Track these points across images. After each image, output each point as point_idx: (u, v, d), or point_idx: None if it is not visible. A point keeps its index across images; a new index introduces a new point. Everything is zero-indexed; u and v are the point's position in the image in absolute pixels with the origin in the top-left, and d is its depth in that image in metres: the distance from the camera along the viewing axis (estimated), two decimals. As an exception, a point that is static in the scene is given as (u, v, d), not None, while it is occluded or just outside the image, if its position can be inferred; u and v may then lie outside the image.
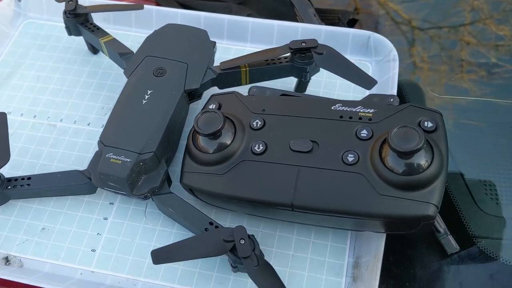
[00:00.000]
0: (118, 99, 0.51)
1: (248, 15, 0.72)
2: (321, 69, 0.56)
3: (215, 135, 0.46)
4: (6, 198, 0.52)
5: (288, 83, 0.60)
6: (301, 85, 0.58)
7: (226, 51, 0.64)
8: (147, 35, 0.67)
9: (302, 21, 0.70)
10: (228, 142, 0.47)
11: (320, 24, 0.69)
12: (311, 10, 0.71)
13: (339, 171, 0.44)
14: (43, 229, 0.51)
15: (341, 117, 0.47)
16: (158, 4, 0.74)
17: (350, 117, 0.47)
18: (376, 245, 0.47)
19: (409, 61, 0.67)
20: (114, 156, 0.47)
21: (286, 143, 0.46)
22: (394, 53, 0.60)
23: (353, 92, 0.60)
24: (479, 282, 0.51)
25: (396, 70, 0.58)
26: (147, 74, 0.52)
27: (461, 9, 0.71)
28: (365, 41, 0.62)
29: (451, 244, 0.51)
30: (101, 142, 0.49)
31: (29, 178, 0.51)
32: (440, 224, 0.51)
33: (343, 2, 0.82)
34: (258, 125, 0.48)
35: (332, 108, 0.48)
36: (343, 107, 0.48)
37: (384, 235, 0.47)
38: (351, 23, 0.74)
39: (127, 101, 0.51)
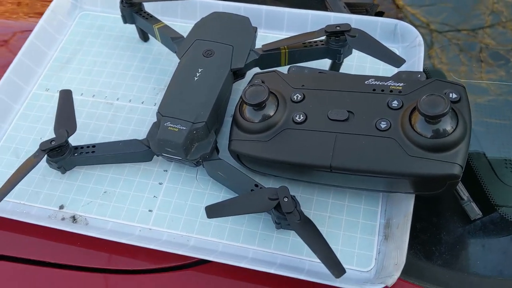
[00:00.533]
0: (173, 76, 0.58)
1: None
2: (352, 52, 0.61)
3: (260, 106, 0.52)
4: (72, 164, 0.58)
5: (323, 65, 0.65)
6: (335, 67, 0.64)
7: (264, 39, 0.70)
8: (192, 25, 0.73)
9: (332, 11, 0.76)
10: (272, 113, 0.53)
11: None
12: (341, 3, 0.77)
13: (373, 136, 0.49)
14: (105, 192, 0.58)
15: (374, 90, 0.52)
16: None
17: (382, 90, 0.52)
18: (406, 206, 0.52)
19: (427, 62, 0.69)
20: (171, 125, 0.53)
21: (324, 113, 0.52)
22: (420, 39, 0.65)
23: (382, 74, 0.65)
24: (500, 245, 0.56)
25: (422, 54, 0.64)
26: (198, 55, 0.59)
27: (480, 12, 0.72)
28: (392, 28, 0.67)
29: (474, 210, 0.55)
30: (159, 113, 0.55)
31: (93, 146, 0.57)
32: (464, 192, 0.56)
33: (364, 5, 0.87)
34: (298, 98, 0.54)
35: (366, 82, 0.53)
36: (376, 82, 0.53)
37: (413, 198, 0.52)
38: (378, 15, 0.79)
39: (180, 78, 0.57)
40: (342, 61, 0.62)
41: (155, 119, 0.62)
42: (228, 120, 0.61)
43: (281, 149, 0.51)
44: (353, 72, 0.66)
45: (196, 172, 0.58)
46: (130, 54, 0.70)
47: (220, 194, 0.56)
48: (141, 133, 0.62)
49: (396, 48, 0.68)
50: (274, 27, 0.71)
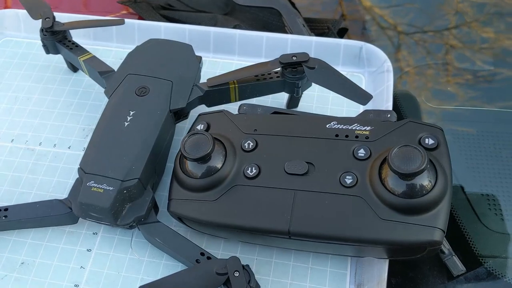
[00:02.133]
0: (99, 122, 0.48)
1: (235, 26, 0.69)
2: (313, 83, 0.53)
3: (204, 159, 0.43)
4: (-19, 232, 0.48)
5: (279, 98, 0.57)
6: (293, 100, 0.56)
7: (214, 65, 0.62)
8: (129, 50, 0.64)
9: (291, 32, 0.67)
10: (219, 165, 0.44)
11: (309, 34, 0.66)
12: (299, 20, 0.69)
13: (337, 194, 0.41)
14: (22, 263, 0.48)
15: (336, 135, 0.44)
16: (140, 18, 0.71)
17: (347, 136, 0.44)
18: (378, 271, 0.44)
19: (395, 66, 0.65)
20: (95, 185, 0.44)
21: (281, 166, 0.44)
22: (388, 63, 0.57)
23: (346, 106, 0.57)
24: (488, 305, 0.49)
25: (391, 82, 0.56)
26: (129, 94, 0.49)
27: (445, 13, 0.70)
28: (357, 52, 0.60)
29: (456, 265, 0.48)
30: (81, 169, 0.46)
31: (5, 209, 0.48)
32: (444, 245, 0.48)
33: (331, 8, 0.80)
34: (250, 147, 0.45)
35: (327, 126, 0.45)
36: (339, 125, 0.45)
37: (387, 261, 0.45)
38: (341, 33, 0.71)
39: (108, 124, 0.48)
40: (301, 95, 0.53)
41: (84, 168, 0.53)
42: (171, 166, 0.52)
43: (230, 211, 0.43)
44: (314, 105, 0.58)
45: (132, 235, 0.49)
46: (57, 88, 0.60)
47: (161, 262, 0.47)
48: (67, 186, 0.52)
49: (361, 74, 0.60)
50: (224, 51, 0.62)
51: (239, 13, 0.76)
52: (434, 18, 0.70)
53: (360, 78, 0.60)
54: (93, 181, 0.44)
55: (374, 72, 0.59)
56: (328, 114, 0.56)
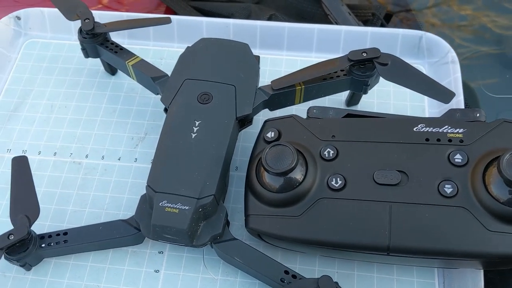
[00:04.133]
0: (162, 134, 0.44)
1: (271, 16, 0.65)
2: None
3: (287, 173, 0.40)
4: (39, 258, 0.44)
5: (336, 96, 0.53)
6: (355, 97, 0.52)
7: (262, 62, 0.57)
8: (169, 48, 0.60)
9: (336, 21, 0.64)
10: (300, 177, 0.41)
11: (358, 23, 0.63)
12: (344, 8, 0.65)
13: (437, 205, 0.38)
14: (85, 289, 0.44)
15: (427, 140, 0.41)
16: (172, 12, 0.66)
17: (438, 140, 0.41)
18: (473, 280, 0.42)
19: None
20: (169, 204, 0.41)
21: (369, 175, 0.40)
22: (453, 54, 0.54)
23: (409, 100, 0.54)
24: None
25: (458, 74, 0.53)
26: (191, 101, 0.45)
27: None
28: (417, 42, 0.56)
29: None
30: (150, 188, 0.42)
31: (65, 233, 0.44)
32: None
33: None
34: (331, 155, 0.42)
35: (415, 129, 0.42)
36: (427, 128, 0.42)
37: (482, 270, 0.42)
38: (387, 19, 0.68)
39: (173, 136, 0.44)
40: (367, 93, 0.50)
41: (137, 180, 0.50)
42: (232, 174, 0.49)
43: (319, 227, 0.40)
44: (375, 100, 0.54)
45: (203, 252, 0.46)
46: (96, 93, 0.56)
47: (236, 280, 0.44)
48: (123, 202, 0.48)
49: (421, 65, 0.57)
50: (272, 46, 0.58)
51: (271, 1, 0.72)
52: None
53: (420, 69, 0.56)
54: (166, 201, 0.41)
55: (435, 63, 0.56)
56: (391, 110, 0.54)
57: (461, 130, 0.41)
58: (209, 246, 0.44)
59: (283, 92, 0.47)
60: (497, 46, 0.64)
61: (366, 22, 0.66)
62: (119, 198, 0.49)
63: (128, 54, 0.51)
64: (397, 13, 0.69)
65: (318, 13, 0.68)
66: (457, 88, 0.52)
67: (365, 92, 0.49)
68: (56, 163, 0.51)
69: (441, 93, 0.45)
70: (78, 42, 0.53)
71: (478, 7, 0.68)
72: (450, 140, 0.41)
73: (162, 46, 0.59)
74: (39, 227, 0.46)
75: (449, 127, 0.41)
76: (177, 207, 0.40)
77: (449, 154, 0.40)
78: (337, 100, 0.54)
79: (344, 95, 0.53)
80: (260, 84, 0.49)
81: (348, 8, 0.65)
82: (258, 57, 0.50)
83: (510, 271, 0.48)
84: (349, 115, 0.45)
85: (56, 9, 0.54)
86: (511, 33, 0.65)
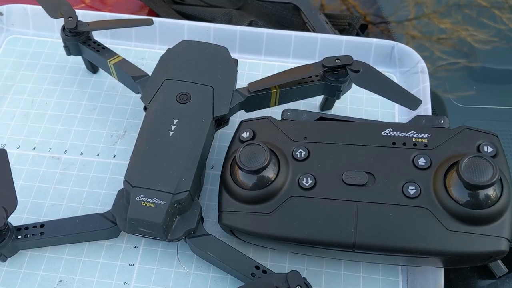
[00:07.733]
0: (141, 131, 0.46)
1: (251, 22, 0.67)
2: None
3: (260, 171, 0.42)
4: (15, 250, 0.45)
5: (310, 100, 0.56)
6: (329, 102, 0.55)
7: (240, 65, 0.59)
8: (151, 50, 0.61)
9: (313, 29, 0.66)
10: (272, 176, 0.43)
11: (334, 32, 0.65)
12: (321, 17, 0.67)
13: (401, 205, 0.41)
14: (60, 281, 0.45)
15: (393, 143, 0.43)
16: (155, 14, 0.67)
17: (404, 144, 0.43)
18: (434, 277, 0.44)
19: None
20: (145, 199, 0.42)
21: (338, 176, 0.42)
22: (422, 64, 0.57)
23: (381, 107, 0.56)
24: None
25: (427, 84, 0.55)
26: (170, 101, 0.47)
27: (406, 4, 0.73)
28: (389, 51, 0.59)
29: (499, 266, 0.49)
30: (127, 182, 0.43)
31: (42, 225, 0.45)
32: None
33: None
34: (303, 155, 0.44)
35: (383, 133, 0.44)
36: (395, 132, 0.44)
37: (442, 268, 0.44)
38: (362, 29, 0.70)
39: (152, 133, 0.45)
40: (340, 98, 0.52)
41: (115, 176, 0.51)
42: (207, 172, 0.51)
43: (289, 224, 0.41)
44: (348, 106, 0.56)
45: (177, 247, 0.47)
46: (77, 91, 0.57)
47: (208, 274, 0.46)
48: (101, 197, 0.49)
49: (392, 74, 0.59)
50: (251, 51, 0.60)
51: (252, 7, 0.74)
52: (396, 9, 0.72)
53: (391, 78, 0.59)
54: (142, 195, 0.42)
55: (406, 72, 0.58)
56: (363, 116, 0.56)
57: (425, 136, 0.43)
58: (183, 241, 0.45)
59: (259, 95, 0.49)
60: (471, 59, 0.66)
61: (342, 31, 0.68)
62: (97, 193, 0.50)
63: (110, 53, 0.52)
64: (377, 25, 0.72)
65: (297, 21, 0.71)
66: (425, 96, 0.54)
67: (338, 97, 0.51)
68: (35, 158, 0.52)
69: (409, 100, 0.48)
70: (60, 40, 0.54)
71: (458, 21, 0.70)
72: (415, 145, 0.43)
73: (144, 47, 0.61)
74: (16, 220, 0.47)
75: (415, 132, 0.44)
76: (153, 201, 0.42)
77: (414, 158, 0.42)
78: (312, 104, 0.56)
79: (319, 99, 0.55)
80: (238, 87, 0.50)
81: (325, 17, 0.67)
82: (236, 60, 0.52)
83: (470, 271, 0.51)
84: (322, 118, 0.47)
85: (39, 7, 0.56)
86: (488, 47, 0.67)
